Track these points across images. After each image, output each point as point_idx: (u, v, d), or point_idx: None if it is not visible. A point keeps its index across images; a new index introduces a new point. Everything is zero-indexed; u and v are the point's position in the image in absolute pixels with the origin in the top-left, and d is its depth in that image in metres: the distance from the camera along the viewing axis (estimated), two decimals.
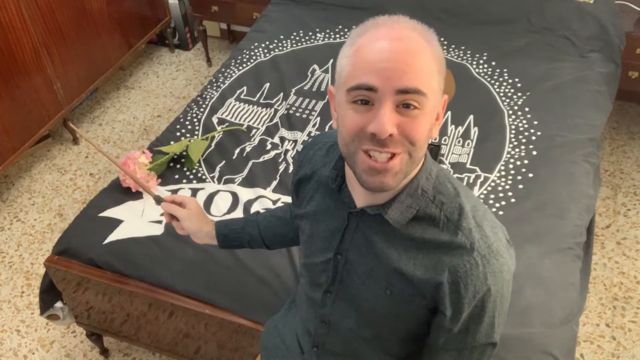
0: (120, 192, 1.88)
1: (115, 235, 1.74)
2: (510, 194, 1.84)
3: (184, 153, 2.01)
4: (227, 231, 1.26)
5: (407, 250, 0.91)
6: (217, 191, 1.89)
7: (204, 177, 1.95)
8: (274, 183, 1.92)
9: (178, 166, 1.99)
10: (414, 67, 0.78)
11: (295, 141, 2.09)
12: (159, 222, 1.78)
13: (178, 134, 2.14)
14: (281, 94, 2.31)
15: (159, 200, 1.25)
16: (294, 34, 2.65)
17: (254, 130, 2.15)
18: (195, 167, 1.98)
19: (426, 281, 0.89)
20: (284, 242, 1.29)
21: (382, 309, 0.96)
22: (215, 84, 2.40)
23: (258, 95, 2.33)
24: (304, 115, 2.20)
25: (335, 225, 0.99)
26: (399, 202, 0.89)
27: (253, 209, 1.81)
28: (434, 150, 1.80)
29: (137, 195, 1.86)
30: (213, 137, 2.11)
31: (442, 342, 0.94)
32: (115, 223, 1.78)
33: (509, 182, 1.88)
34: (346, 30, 2.62)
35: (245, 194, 1.87)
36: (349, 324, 1.03)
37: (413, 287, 0.91)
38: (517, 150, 2.00)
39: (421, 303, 0.92)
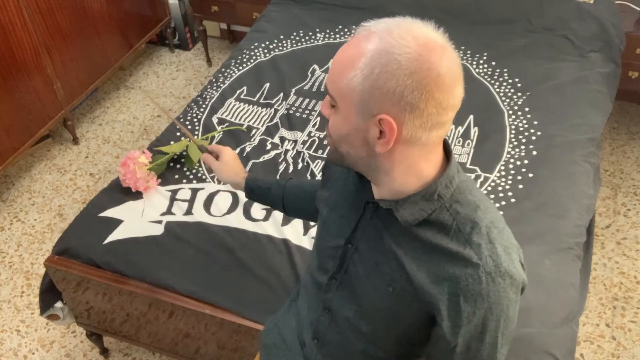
0: (120, 192, 1.88)
1: (115, 235, 1.74)
2: (510, 194, 1.84)
3: (184, 153, 2.01)
4: (254, 186, 1.36)
5: (414, 251, 0.91)
6: (217, 191, 1.89)
7: (204, 177, 1.95)
8: None
9: (178, 166, 1.99)
10: (336, 70, 0.85)
11: (295, 141, 2.09)
12: (159, 222, 1.78)
13: (178, 134, 2.14)
14: (281, 94, 2.31)
15: (203, 150, 1.43)
16: (294, 34, 2.65)
17: (254, 130, 2.15)
18: (195, 167, 1.98)
19: (426, 286, 0.89)
20: (303, 215, 1.38)
21: (382, 305, 0.96)
22: (215, 84, 2.40)
23: (258, 95, 2.33)
24: (304, 115, 2.20)
25: (351, 214, 1.00)
26: (412, 203, 0.89)
27: (253, 209, 1.81)
28: None
29: (137, 195, 1.87)
30: (213, 137, 2.11)
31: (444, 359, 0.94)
32: (115, 223, 1.78)
33: (509, 182, 1.88)
34: (346, 30, 2.62)
35: None
36: (348, 314, 1.04)
37: (413, 289, 0.91)
38: (517, 150, 2.00)
39: (420, 306, 0.92)
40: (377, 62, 0.80)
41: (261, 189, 1.36)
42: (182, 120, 2.22)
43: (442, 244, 0.88)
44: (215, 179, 1.94)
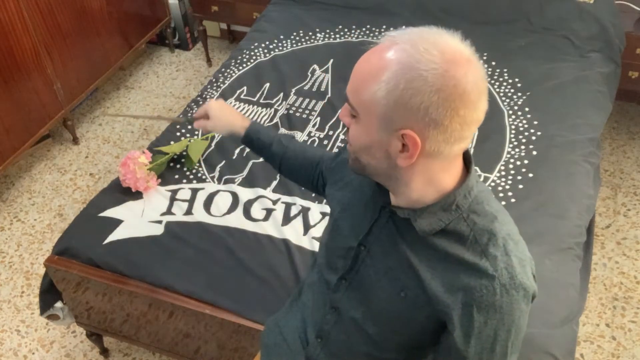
0: (120, 192, 1.88)
1: (115, 235, 1.74)
2: (510, 194, 1.84)
3: (184, 153, 2.01)
4: (254, 139, 1.32)
5: (429, 259, 0.91)
6: (217, 191, 1.89)
7: (204, 177, 1.95)
8: (274, 183, 1.92)
9: (178, 166, 1.99)
10: (358, 81, 0.83)
11: None
12: (159, 222, 1.78)
13: (178, 134, 2.14)
14: (281, 94, 2.31)
15: (191, 121, 1.38)
16: (294, 34, 2.65)
17: None
18: (195, 167, 1.98)
19: (440, 294, 0.89)
20: (296, 179, 1.34)
21: (392, 309, 0.96)
22: (215, 84, 2.40)
23: (258, 95, 2.33)
24: (304, 115, 2.20)
25: (365, 216, 1.00)
26: (431, 213, 0.89)
27: (253, 209, 1.81)
28: None
29: (137, 195, 1.86)
30: (213, 137, 2.11)
31: None
32: (115, 223, 1.78)
33: (509, 182, 1.88)
34: (346, 30, 2.62)
35: (245, 194, 1.87)
36: (355, 315, 1.03)
37: (426, 297, 0.91)
38: (517, 150, 2.00)
39: (431, 313, 0.92)
40: (402, 77, 0.78)
41: (261, 143, 1.31)
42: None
43: (458, 254, 0.88)
44: (215, 179, 1.94)
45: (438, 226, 0.88)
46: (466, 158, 0.91)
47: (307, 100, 2.28)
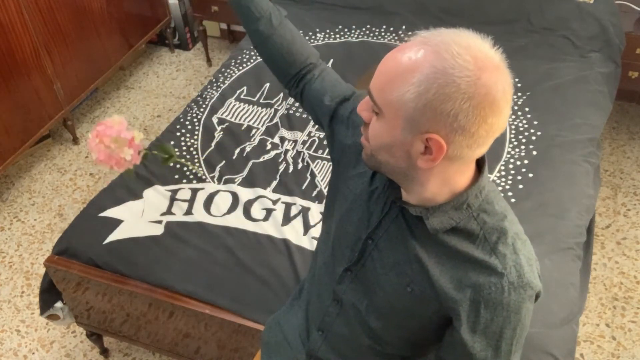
0: (120, 192, 1.88)
1: (115, 235, 1.74)
2: (510, 194, 1.84)
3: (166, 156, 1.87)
4: (244, 5, 1.13)
5: (438, 256, 0.91)
6: (217, 191, 1.89)
7: (204, 177, 1.95)
8: (274, 183, 1.92)
9: (178, 166, 1.99)
10: (385, 79, 0.81)
11: (295, 141, 2.09)
12: (159, 222, 1.78)
13: (178, 134, 2.14)
14: (281, 94, 2.31)
15: None
16: None
17: (253, 130, 2.15)
18: (196, 167, 1.98)
19: (448, 290, 0.90)
20: (269, 67, 1.21)
21: (397, 303, 0.97)
22: (215, 84, 2.40)
23: (258, 95, 2.33)
24: (304, 115, 2.20)
25: (375, 209, 0.99)
26: (443, 212, 0.89)
27: (253, 209, 1.81)
28: None
29: (137, 195, 1.87)
30: (213, 138, 2.11)
31: None
32: (115, 223, 1.78)
33: (509, 182, 1.88)
34: (346, 30, 2.62)
35: (245, 194, 1.87)
36: (359, 307, 1.04)
37: (434, 292, 0.91)
38: (517, 150, 2.00)
39: (437, 309, 0.93)
40: (434, 82, 0.77)
41: (250, 13, 1.13)
42: (182, 120, 2.21)
43: (467, 251, 0.89)
44: (215, 179, 1.94)
45: (449, 224, 0.89)
46: (479, 158, 0.91)
47: None
